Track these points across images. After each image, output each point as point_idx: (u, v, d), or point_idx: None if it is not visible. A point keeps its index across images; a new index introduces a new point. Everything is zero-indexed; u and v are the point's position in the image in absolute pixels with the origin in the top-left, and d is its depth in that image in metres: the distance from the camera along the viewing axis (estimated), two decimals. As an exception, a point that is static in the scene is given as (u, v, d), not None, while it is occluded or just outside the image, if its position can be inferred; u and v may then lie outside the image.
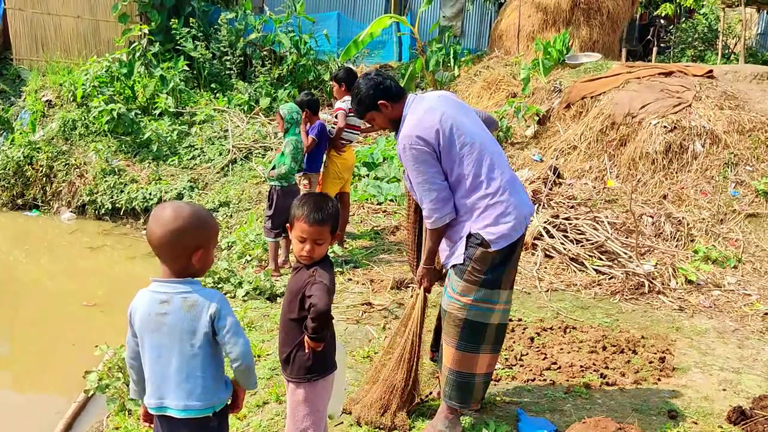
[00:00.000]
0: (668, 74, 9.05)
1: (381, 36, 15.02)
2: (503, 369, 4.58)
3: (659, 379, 4.57)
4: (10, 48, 13.05)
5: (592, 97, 9.16)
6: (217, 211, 9.30)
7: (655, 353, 4.95)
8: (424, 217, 3.57)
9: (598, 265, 6.61)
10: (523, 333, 5.22)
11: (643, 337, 5.24)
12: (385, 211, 8.20)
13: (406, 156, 3.48)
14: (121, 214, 10.45)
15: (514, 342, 5.05)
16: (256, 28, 13.44)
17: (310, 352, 2.86)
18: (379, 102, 3.66)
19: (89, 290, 7.80)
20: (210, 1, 14.12)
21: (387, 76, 3.73)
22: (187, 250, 2.39)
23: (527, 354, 4.87)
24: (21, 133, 11.22)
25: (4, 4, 12.82)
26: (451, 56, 13.06)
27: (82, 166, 10.95)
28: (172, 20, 12.53)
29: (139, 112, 11.61)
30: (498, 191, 3.46)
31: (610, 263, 6.62)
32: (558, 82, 10.13)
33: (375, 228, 7.62)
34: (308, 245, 2.82)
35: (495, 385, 4.37)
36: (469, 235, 3.49)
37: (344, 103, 6.75)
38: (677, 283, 6.38)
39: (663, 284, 6.33)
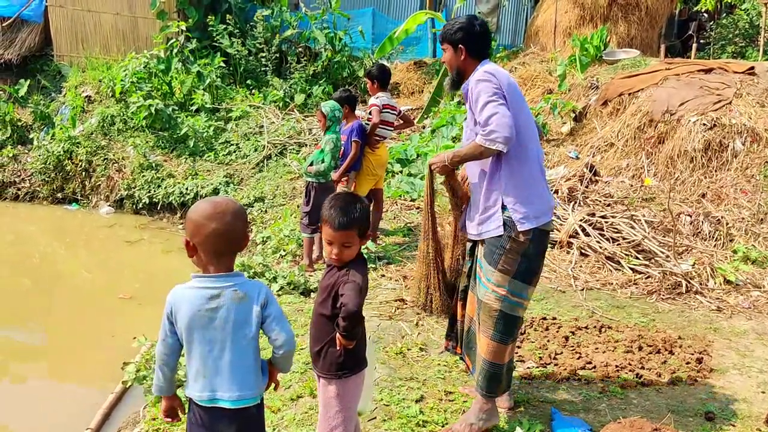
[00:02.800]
0: (708, 71, 8.90)
1: (416, 32, 15.00)
2: (537, 368, 4.55)
3: (696, 381, 4.51)
4: (51, 44, 13.28)
5: (629, 94, 9.05)
6: (252, 206, 9.38)
7: (692, 354, 4.88)
8: (480, 133, 3.44)
9: (634, 264, 6.52)
10: (557, 332, 5.18)
11: (680, 338, 5.17)
12: (418, 208, 8.19)
13: (478, 89, 3.46)
14: (158, 208, 10.60)
15: (548, 341, 5.01)
16: (292, 24, 13.49)
17: (342, 349, 2.87)
18: (459, 45, 3.68)
19: (126, 283, 7.94)
20: (246, -3, 14.22)
21: (483, 33, 3.70)
22: (240, 240, 2.50)
23: (562, 353, 4.83)
24: (61, 128, 11.42)
25: (46, 1, 13.04)
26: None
27: (121, 161, 11.13)
28: (209, 17, 12.65)
29: (177, 108, 11.74)
30: (538, 173, 3.60)
31: (647, 262, 6.53)
32: (595, 79, 10.02)
33: (408, 224, 7.61)
34: (336, 248, 2.84)
35: (529, 383, 4.35)
36: (503, 209, 3.55)
37: (378, 99, 6.76)
38: (715, 283, 6.27)
39: (701, 284, 6.23)
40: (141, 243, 9.55)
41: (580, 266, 6.64)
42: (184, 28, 12.26)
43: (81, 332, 6.68)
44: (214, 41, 12.83)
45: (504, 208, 3.54)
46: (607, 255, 6.68)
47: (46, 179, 11.23)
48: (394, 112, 6.97)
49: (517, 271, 3.55)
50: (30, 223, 10.90)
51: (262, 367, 2.59)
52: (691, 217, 7.34)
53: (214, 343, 2.45)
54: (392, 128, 7.08)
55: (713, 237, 7.09)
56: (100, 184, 11.13)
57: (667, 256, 6.47)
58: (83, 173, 11.18)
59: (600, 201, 7.78)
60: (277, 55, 13.29)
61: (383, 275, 6.10)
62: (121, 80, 11.64)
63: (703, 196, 7.71)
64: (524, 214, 3.52)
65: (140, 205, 10.71)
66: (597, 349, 4.93)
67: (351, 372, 2.94)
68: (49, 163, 11.17)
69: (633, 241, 6.72)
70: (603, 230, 6.96)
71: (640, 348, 4.95)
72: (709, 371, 4.64)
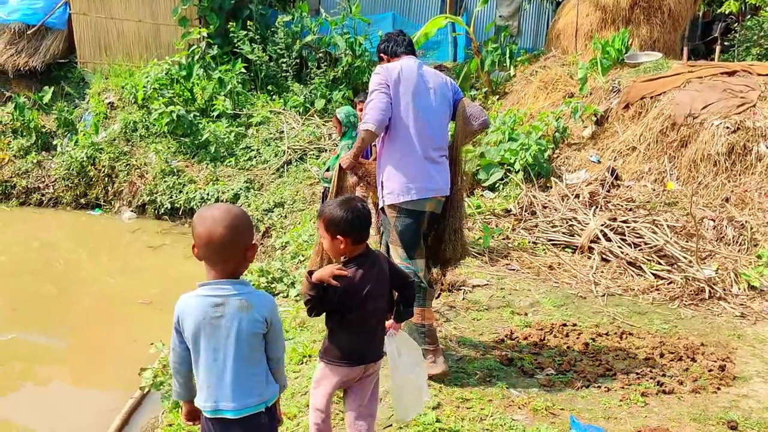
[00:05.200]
0: (731, 73, 8.77)
1: (436, 36, 14.96)
2: (556, 375, 4.51)
3: (719, 388, 4.44)
4: (75, 52, 13.42)
5: (651, 98, 8.94)
6: (272, 212, 9.40)
7: (715, 361, 4.81)
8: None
9: (656, 270, 6.45)
10: (577, 338, 5.13)
11: (702, 344, 5.10)
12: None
13: (371, 81, 4.23)
14: (180, 213, 10.67)
15: (568, 347, 4.96)
16: (312, 30, 13.51)
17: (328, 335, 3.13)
18: (379, 54, 4.51)
19: (147, 288, 7.99)
20: (267, 4, 14.26)
21: (395, 36, 4.49)
22: (244, 247, 2.46)
23: (581, 360, 4.78)
24: (84, 135, 11.54)
25: (70, 9, 13.19)
26: (507, 56, 12.91)
27: (143, 167, 11.21)
28: (230, 23, 12.72)
29: (198, 114, 11.81)
30: (414, 156, 4.15)
31: (669, 268, 6.45)
32: (616, 82, 9.92)
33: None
34: (327, 243, 3.05)
35: (548, 390, 4.30)
36: (382, 184, 4.23)
37: None
38: (739, 288, 6.18)
39: (724, 290, 6.14)
40: (163, 248, 9.61)
41: (601, 272, 6.57)
42: (205, 35, 12.32)
43: (102, 337, 6.73)
44: (235, 47, 12.89)
45: (383, 184, 4.23)
46: (628, 260, 6.61)
47: (70, 185, 11.35)
48: None
49: (399, 240, 4.19)
50: (54, 228, 11.01)
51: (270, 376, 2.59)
52: (714, 221, 7.24)
53: (218, 351, 2.44)
54: None
55: (737, 242, 6.98)
56: (122, 190, 11.22)
57: (690, 262, 6.39)
58: (106, 179, 11.28)
59: (622, 206, 7.70)
60: (298, 60, 13.32)
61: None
62: (143, 87, 11.74)
63: (727, 200, 7.60)
64: (390, 190, 4.18)
65: (162, 211, 10.78)
66: (617, 356, 4.88)
67: (329, 360, 3.09)
68: (73, 169, 11.28)
69: (655, 246, 6.64)
70: (625, 235, 6.88)
71: (662, 355, 4.89)
72: (732, 379, 4.57)
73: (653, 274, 6.40)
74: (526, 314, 5.54)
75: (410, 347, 3.43)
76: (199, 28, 12.63)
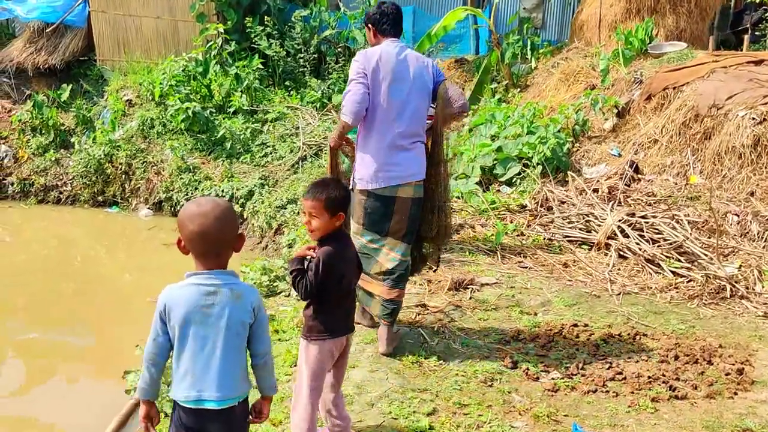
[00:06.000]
0: (758, 62, 8.43)
1: (457, 29, 14.73)
2: (562, 379, 4.30)
3: (736, 393, 4.19)
4: (94, 49, 13.42)
5: (674, 88, 8.63)
6: (285, 208, 9.26)
7: (734, 364, 4.55)
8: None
9: (675, 267, 6.18)
10: (588, 339, 4.91)
11: (720, 346, 4.84)
12: (451, 209, 7.94)
13: (350, 68, 4.37)
14: (195, 210, 10.57)
15: (577, 349, 4.74)
16: (331, 24, 13.37)
17: (312, 313, 3.26)
18: (367, 23, 4.56)
19: (163, 285, 7.89)
20: (286, -2, 14.16)
21: (389, 13, 4.48)
22: (232, 238, 2.55)
23: (591, 363, 4.56)
24: (102, 132, 11.52)
25: (89, 7, 13.19)
26: (529, 48, 12.64)
27: (159, 164, 11.15)
28: (248, 19, 12.61)
29: (214, 111, 11.72)
30: (385, 145, 4.32)
31: (689, 265, 6.18)
32: (639, 73, 9.61)
33: (439, 226, 7.40)
34: (306, 217, 3.20)
35: (552, 395, 4.10)
36: (356, 168, 4.43)
37: None
38: (763, 287, 5.89)
39: (747, 288, 5.86)
40: (178, 246, 9.52)
41: (618, 269, 6.32)
42: (221, 30, 12.22)
43: (120, 333, 6.66)
44: (253, 43, 12.78)
45: (356, 168, 4.46)
46: (646, 257, 6.35)
47: (87, 182, 11.32)
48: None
49: (363, 217, 4.41)
50: (71, 226, 11.02)
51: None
52: (738, 216, 6.95)
53: (207, 339, 2.48)
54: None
55: (762, 237, 6.68)
56: (139, 187, 11.18)
57: (711, 259, 6.11)
58: (123, 176, 11.25)
59: (642, 200, 7.44)
60: (316, 55, 13.18)
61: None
62: (160, 83, 11.68)
63: (752, 194, 7.29)
64: (360, 176, 4.39)
65: (178, 208, 10.67)
66: (629, 358, 4.65)
67: (317, 337, 3.23)
68: (90, 167, 11.25)
69: (674, 242, 6.37)
70: (643, 231, 6.62)
71: (677, 357, 4.64)
72: (751, 383, 4.32)
73: (672, 271, 6.14)
74: (535, 314, 5.32)
75: None
76: (217, 23, 12.55)
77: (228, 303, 2.48)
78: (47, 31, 13.00)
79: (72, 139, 11.81)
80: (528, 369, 4.38)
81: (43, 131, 11.92)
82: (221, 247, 2.52)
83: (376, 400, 3.89)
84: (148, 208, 11.00)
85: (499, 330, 4.99)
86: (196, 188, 10.59)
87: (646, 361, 4.60)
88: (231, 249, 2.56)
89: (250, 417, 2.66)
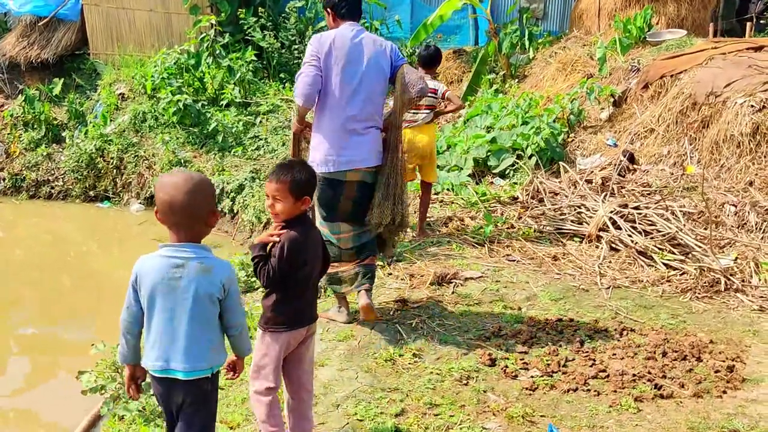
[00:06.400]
0: (758, 49, 8.17)
1: (456, 20, 14.51)
2: (541, 377, 4.10)
3: (725, 392, 3.99)
4: (87, 43, 13.27)
5: (671, 76, 8.40)
6: (275, 202, 9.09)
7: (724, 361, 4.34)
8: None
9: (668, 260, 5.97)
10: (573, 335, 4.70)
11: (711, 342, 4.63)
12: (441, 201, 7.75)
13: (306, 51, 4.41)
14: (186, 205, 10.43)
15: (560, 346, 4.54)
16: (326, 15, 13.18)
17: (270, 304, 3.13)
18: (326, 8, 4.57)
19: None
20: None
21: None
22: (204, 212, 2.57)
23: (573, 359, 4.36)
24: (94, 126, 11.37)
25: (83, 0, 13.03)
26: (526, 38, 12.41)
27: (151, 158, 10.99)
28: (241, 10, 12.42)
29: (207, 103, 11.55)
30: (338, 129, 4.36)
31: (683, 257, 5.96)
32: (636, 61, 9.38)
33: (428, 219, 7.20)
34: (269, 200, 3.10)
35: (530, 395, 3.91)
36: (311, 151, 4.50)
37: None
38: (759, 279, 5.67)
39: (743, 281, 5.63)
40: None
41: (609, 262, 6.11)
42: (213, 22, 12.05)
43: (111, 329, 6.50)
44: (247, 35, 12.60)
45: (311, 151, 4.50)
46: (638, 250, 6.13)
47: (79, 177, 11.17)
48: (431, 95, 6.49)
49: (317, 203, 4.48)
50: (64, 221, 10.88)
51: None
52: (736, 207, 6.72)
53: (174, 311, 2.52)
54: (422, 111, 6.56)
55: (760, 228, 6.45)
56: (131, 182, 11.02)
57: (706, 251, 5.89)
58: (115, 171, 11.08)
59: (636, 191, 7.23)
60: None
61: (390, 273, 5.69)
62: (152, 76, 11.52)
63: (751, 184, 7.07)
64: (313, 159, 4.40)
65: (169, 203, 10.56)
66: (615, 354, 4.45)
67: (274, 328, 3.11)
68: (82, 161, 11.09)
69: (667, 234, 6.15)
70: (636, 223, 6.40)
71: (664, 354, 4.44)
72: (741, 381, 4.11)
73: (665, 264, 5.92)
74: (519, 309, 5.11)
75: None
76: (210, 15, 12.37)
77: (195, 276, 2.51)
78: (39, 24, 12.85)
79: (63, 134, 11.66)
80: (506, 366, 4.19)
81: (35, 126, 11.76)
82: (192, 219, 2.54)
83: (343, 401, 3.71)
84: (140, 203, 10.85)
85: (480, 326, 4.80)
86: (186, 182, 10.43)
87: (632, 357, 4.40)
88: (204, 224, 2.59)
89: (226, 372, 2.81)
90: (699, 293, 5.48)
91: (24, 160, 11.52)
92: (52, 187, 11.34)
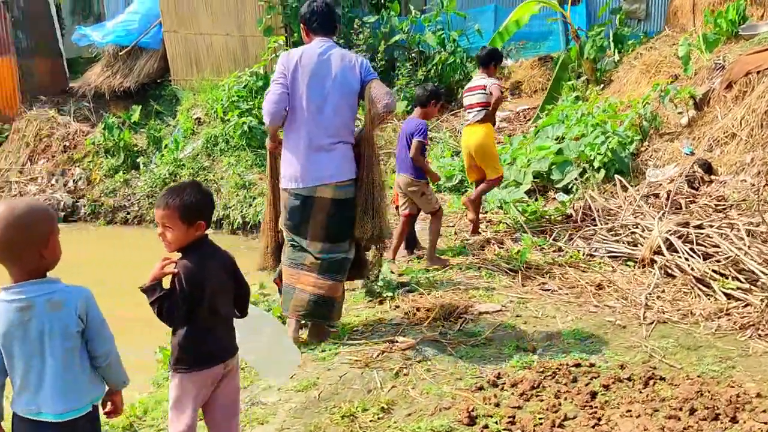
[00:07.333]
0: None
1: (544, 26, 13.68)
2: (526, 439, 3.42)
3: (756, 466, 3.17)
4: (169, 71, 13.53)
5: (758, 73, 7.33)
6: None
7: (766, 423, 3.49)
8: None
9: (731, 288, 5.05)
10: (586, 385, 3.95)
11: (758, 395, 3.75)
12: (489, 221, 7.09)
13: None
14: (249, 228, 10.30)
15: (565, 399, 3.82)
16: (403, 29, 12.81)
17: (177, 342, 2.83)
18: (300, 22, 4.64)
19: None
20: (357, 6, 13.71)
21: (318, 11, 4.47)
22: (36, 244, 2.33)
23: (574, 417, 3.63)
24: (168, 151, 11.51)
25: (163, 28, 13.29)
26: (611, 40, 11.47)
27: (220, 181, 10.98)
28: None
29: (276, 125, 11.41)
30: (302, 146, 4.35)
31: (750, 285, 5.03)
32: (721, 58, 8.32)
33: (465, 241, 6.56)
34: (160, 228, 2.82)
35: (504, 462, 3.24)
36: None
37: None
38: (842, 314, 4.67)
39: (820, 316, 4.66)
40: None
41: (662, 291, 5.27)
42: (281, 42, 11.93)
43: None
44: (319, 53, 12.39)
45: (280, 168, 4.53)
46: (697, 276, 5.25)
47: (153, 202, 11.31)
48: (470, 92, 6.68)
49: (286, 219, 4.49)
50: (135, 247, 10.99)
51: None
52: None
53: (33, 356, 2.35)
54: (474, 109, 6.59)
55: None
56: (201, 206, 11.03)
57: (776, 278, 4.94)
58: (185, 195, 11.13)
59: (710, 206, 6.30)
60: (384, 62, 12.61)
61: (397, 306, 5.12)
62: (221, 100, 11.54)
63: None
64: (283, 175, 4.46)
65: (235, 225, 10.49)
66: (629, 411, 3.67)
67: (186, 369, 2.83)
68: (156, 187, 11.27)
69: (730, 257, 5.23)
70: (697, 244, 5.51)
71: (692, 411, 3.62)
72: (783, 451, 3.26)
73: (725, 293, 5.02)
74: (534, 350, 4.41)
75: (265, 320, 3.50)
76: (284, 36, 12.28)
77: (46, 314, 2.32)
78: (122, 54, 13.23)
79: (138, 160, 11.86)
80: (487, 426, 3.53)
81: (115, 153, 12.07)
82: (21, 255, 2.31)
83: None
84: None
85: (477, 372, 4.13)
86: (250, 205, 10.36)
87: (650, 416, 3.62)
88: (39, 256, 2.34)
89: (105, 412, 2.60)
90: (762, 330, 4.57)
91: (103, 186, 11.86)
92: (128, 212, 11.57)
